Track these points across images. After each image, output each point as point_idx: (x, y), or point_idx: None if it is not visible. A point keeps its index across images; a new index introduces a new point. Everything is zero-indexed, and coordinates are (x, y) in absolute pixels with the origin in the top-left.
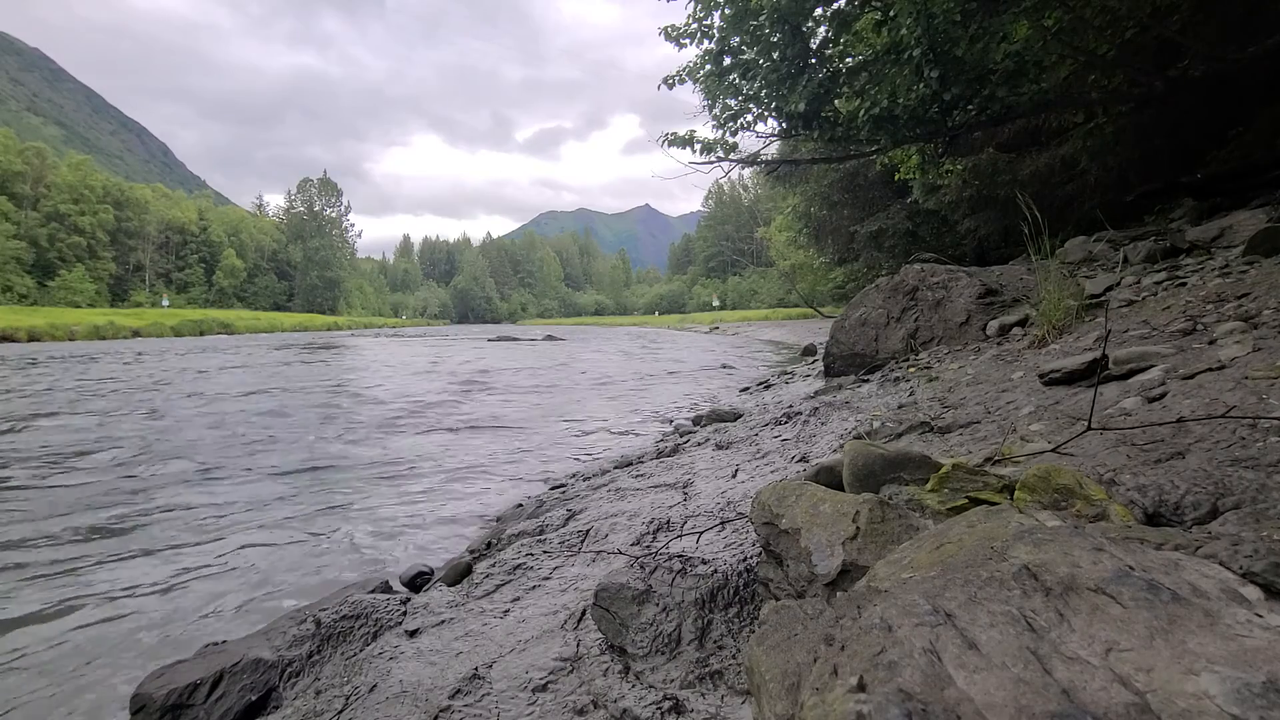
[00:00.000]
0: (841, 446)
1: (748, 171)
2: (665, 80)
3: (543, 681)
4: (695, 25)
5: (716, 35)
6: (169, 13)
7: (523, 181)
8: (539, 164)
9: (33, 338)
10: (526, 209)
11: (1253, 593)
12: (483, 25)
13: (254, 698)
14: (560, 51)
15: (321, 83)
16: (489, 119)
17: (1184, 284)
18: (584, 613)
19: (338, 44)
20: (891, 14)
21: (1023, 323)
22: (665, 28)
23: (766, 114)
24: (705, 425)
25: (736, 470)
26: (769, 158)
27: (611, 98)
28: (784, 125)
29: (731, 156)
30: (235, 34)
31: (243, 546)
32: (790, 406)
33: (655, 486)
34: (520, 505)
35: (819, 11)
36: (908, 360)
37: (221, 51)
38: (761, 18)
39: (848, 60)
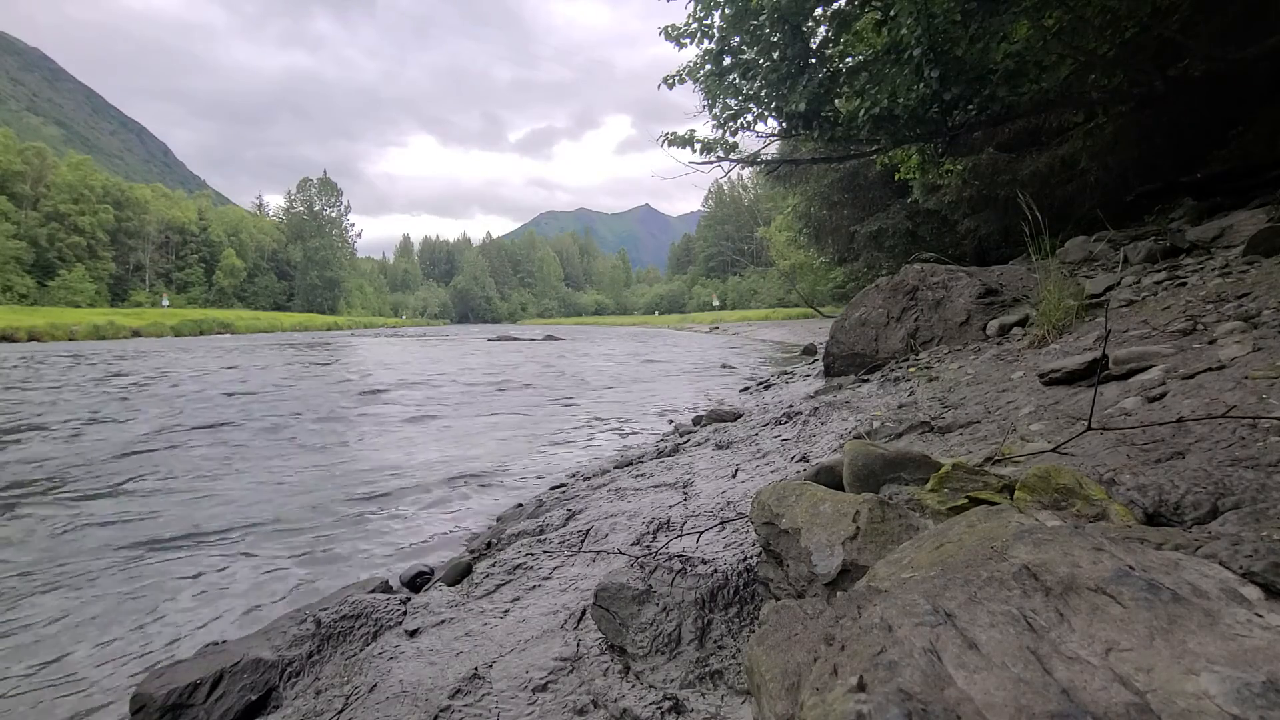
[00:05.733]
0: (841, 446)
1: (748, 171)
2: (665, 80)
3: (543, 681)
4: (695, 25)
5: (717, 35)
6: (163, 13)
7: (517, 181)
8: (533, 164)
9: (33, 337)
10: (525, 209)
11: (1253, 593)
12: (474, 26)
13: (254, 697)
14: (552, 51)
15: (315, 83)
16: (480, 119)
17: (1184, 284)
18: (584, 613)
19: (331, 45)
20: (891, 14)
21: (1023, 323)
22: (665, 27)
23: (766, 114)
24: (705, 425)
25: (736, 470)
26: (769, 158)
27: (603, 98)
28: (784, 125)
29: (731, 156)
30: (229, 34)
31: (242, 547)
32: (790, 406)
33: (655, 486)
34: (520, 505)
35: (819, 11)
36: (908, 360)
37: (215, 52)
38: (761, 17)
39: (848, 60)
